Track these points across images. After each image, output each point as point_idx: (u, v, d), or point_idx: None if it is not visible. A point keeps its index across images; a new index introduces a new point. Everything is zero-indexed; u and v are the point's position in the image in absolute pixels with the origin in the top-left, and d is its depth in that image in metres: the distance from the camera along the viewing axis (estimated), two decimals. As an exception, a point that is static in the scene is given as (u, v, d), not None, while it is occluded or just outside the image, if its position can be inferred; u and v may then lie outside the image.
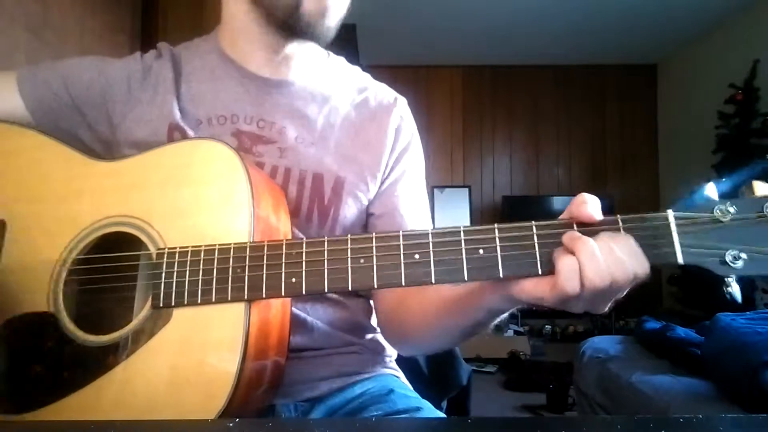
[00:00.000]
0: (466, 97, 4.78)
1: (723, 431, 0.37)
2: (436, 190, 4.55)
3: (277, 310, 0.56)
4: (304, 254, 0.51)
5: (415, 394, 0.73)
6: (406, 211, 0.74)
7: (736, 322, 1.72)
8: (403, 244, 0.49)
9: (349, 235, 0.50)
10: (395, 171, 0.75)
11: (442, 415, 0.75)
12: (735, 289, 0.45)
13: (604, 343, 2.23)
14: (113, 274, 0.59)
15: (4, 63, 1.67)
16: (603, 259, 0.44)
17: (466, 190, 4.61)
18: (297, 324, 0.68)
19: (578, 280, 0.44)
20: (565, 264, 0.44)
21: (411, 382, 0.79)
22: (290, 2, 0.65)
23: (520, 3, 3.61)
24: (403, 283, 0.48)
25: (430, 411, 0.67)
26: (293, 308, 0.67)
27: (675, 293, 3.72)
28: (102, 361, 0.54)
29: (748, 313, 1.87)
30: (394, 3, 3.59)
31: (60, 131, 0.72)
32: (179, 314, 0.53)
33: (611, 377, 1.93)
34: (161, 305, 0.54)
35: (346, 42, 3.28)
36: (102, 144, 0.74)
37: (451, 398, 0.92)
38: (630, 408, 1.73)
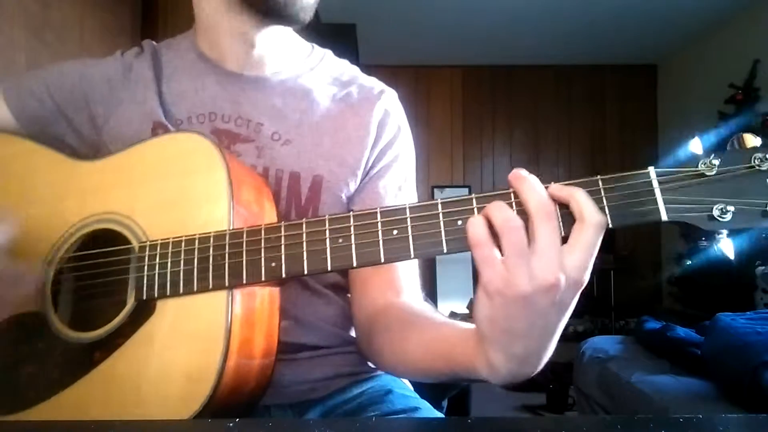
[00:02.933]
0: (466, 97, 4.77)
1: (723, 431, 0.37)
2: (436, 190, 4.55)
3: (263, 299, 0.56)
4: (282, 237, 0.51)
5: (414, 394, 0.72)
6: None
7: (736, 322, 1.72)
8: (381, 221, 0.48)
9: (327, 215, 0.50)
10: (377, 166, 0.73)
11: (441, 415, 0.75)
12: (726, 245, 0.43)
13: (604, 343, 2.23)
14: (98, 270, 0.59)
15: (4, 63, 1.67)
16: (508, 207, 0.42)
17: (466, 190, 4.61)
18: (291, 320, 0.68)
19: (483, 227, 0.41)
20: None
21: (411, 381, 0.78)
22: None
23: (520, 3, 3.61)
24: (382, 260, 0.47)
25: (429, 411, 0.67)
26: (286, 305, 0.67)
27: (675, 293, 3.72)
28: (89, 357, 0.54)
29: (748, 313, 1.87)
30: (394, 3, 3.59)
31: (47, 137, 0.73)
32: (163, 306, 0.53)
33: (611, 377, 1.92)
34: (144, 298, 0.54)
35: (346, 42, 3.28)
36: (89, 147, 0.75)
37: (451, 398, 0.92)
38: (630, 408, 1.73)
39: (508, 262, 0.41)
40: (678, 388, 1.64)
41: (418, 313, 0.62)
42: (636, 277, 4.23)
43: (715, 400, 1.52)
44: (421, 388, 0.76)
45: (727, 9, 3.59)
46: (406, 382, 0.78)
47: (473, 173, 4.73)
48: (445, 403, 0.91)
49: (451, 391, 0.91)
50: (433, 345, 0.54)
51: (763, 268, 2.64)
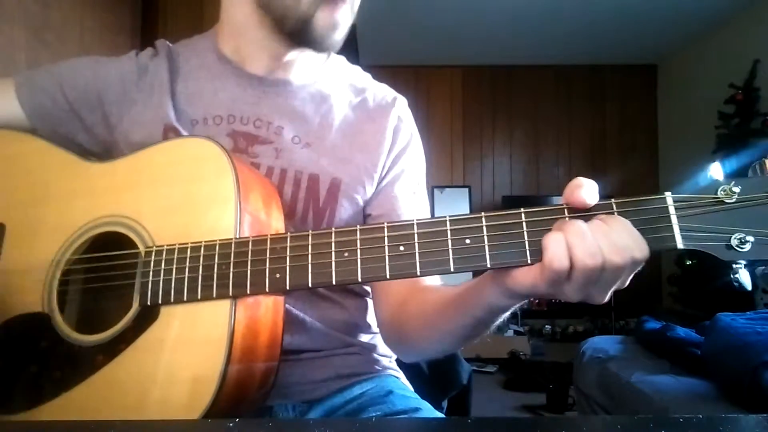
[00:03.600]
0: (466, 97, 4.77)
1: (723, 431, 0.37)
2: (436, 190, 4.54)
3: (267, 308, 0.55)
4: (288, 249, 0.50)
5: (415, 395, 0.72)
6: (405, 211, 0.73)
7: (736, 322, 1.72)
8: (388, 236, 0.47)
9: (333, 228, 0.50)
10: (392, 171, 0.74)
11: (441, 415, 0.75)
12: (743, 276, 0.42)
13: (604, 343, 2.24)
14: (105, 273, 0.59)
15: (4, 63, 1.67)
16: (593, 237, 0.42)
17: (466, 190, 4.61)
18: (295, 324, 0.68)
19: (566, 255, 0.42)
20: (551, 240, 0.42)
21: (411, 382, 0.78)
22: (303, 15, 0.64)
23: (520, 3, 3.61)
24: (388, 276, 0.47)
25: (429, 411, 0.67)
26: (291, 308, 0.67)
27: (675, 293, 3.72)
28: (93, 360, 0.54)
29: (748, 313, 1.87)
30: (394, 3, 3.59)
31: (58, 135, 0.73)
32: (166, 312, 0.53)
33: (611, 377, 1.93)
34: (148, 303, 0.54)
35: (346, 42, 3.28)
36: (101, 147, 0.75)
37: (451, 398, 0.92)
38: (630, 408, 1.73)
39: (577, 284, 0.43)
40: (678, 388, 1.64)
41: (440, 286, 0.65)
42: (636, 277, 4.21)
43: (715, 400, 1.52)
44: (422, 389, 0.76)
45: (727, 9, 3.59)
46: (407, 382, 0.78)
47: (473, 173, 4.72)
48: (445, 403, 0.91)
49: (451, 392, 0.91)
50: (451, 292, 0.57)
51: (763, 268, 2.64)
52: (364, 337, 0.76)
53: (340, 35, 0.68)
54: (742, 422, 0.41)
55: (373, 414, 0.65)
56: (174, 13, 2.50)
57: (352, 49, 3.38)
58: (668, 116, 4.56)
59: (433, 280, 0.68)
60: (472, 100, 4.77)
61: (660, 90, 4.68)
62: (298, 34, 0.66)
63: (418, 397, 0.72)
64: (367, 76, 0.82)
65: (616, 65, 4.67)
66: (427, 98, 4.72)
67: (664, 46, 4.29)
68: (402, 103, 0.79)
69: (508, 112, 4.75)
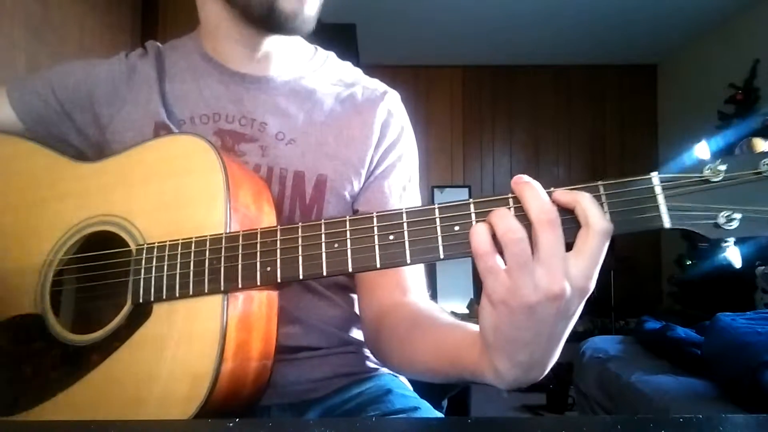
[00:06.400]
0: (466, 97, 4.77)
1: (723, 431, 0.37)
2: (436, 190, 4.55)
3: (261, 303, 0.55)
4: (278, 242, 0.50)
5: (414, 394, 0.72)
6: (395, 206, 0.71)
7: (736, 322, 1.72)
8: (377, 226, 0.47)
9: (323, 220, 0.50)
10: (381, 166, 0.73)
11: (441, 414, 0.75)
12: (732, 254, 0.42)
13: (604, 343, 2.24)
14: (97, 272, 0.59)
15: (4, 63, 1.67)
16: (515, 216, 0.41)
17: (466, 190, 4.61)
18: (290, 321, 0.68)
19: (488, 236, 0.41)
20: (473, 228, 0.42)
21: (411, 381, 0.78)
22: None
23: (520, 3, 3.61)
24: (378, 265, 0.47)
25: (428, 411, 0.67)
26: (287, 306, 0.67)
27: (675, 293, 3.72)
28: (87, 359, 0.54)
29: (748, 313, 1.87)
30: (394, 3, 3.59)
31: (51, 138, 0.73)
32: (159, 309, 0.53)
33: (611, 377, 1.93)
34: (141, 301, 0.54)
35: (346, 42, 3.28)
36: (93, 147, 0.75)
37: (451, 397, 0.92)
38: (630, 408, 1.73)
39: (512, 272, 0.40)
40: (678, 388, 1.64)
41: (426, 314, 0.62)
42: (636, 277, 4.22)
43: (715, 400, 1.53)
44: (421, 388, 0.76)
45: (727, 9, 3.58)
46: (406, 381, 0.78)
47: (473, 173, 4.72)
48: (445, 403, 0.91)
49: (451, 391, 0.91)
50: (440, 348, 0.54)
51: (763, 268, 2.64)
52: (360, 334, 0.76)
53: (310, 10, 0.66)
54: (742, 422, 0.41)
55: (372, 413, 0.64)
56: (174, 13, 2.50)
57: (352, 49, 3.38)
58: (668, 116, 4.56)
59: (417, 294, 0.68)
60: (472, 100, 4.77)
61: (660, 90, 4.68)
62: (267, 18, 0.65)
63: (417, 396, 0.71)
64: (358, 71, 0.81)
65: (616, 65, 4.67)
66: (427, 98, 4.72)
67: (664, 46, 4.28)
68: (392, 96, 0.77)
69: (508, 112, 4.75)
